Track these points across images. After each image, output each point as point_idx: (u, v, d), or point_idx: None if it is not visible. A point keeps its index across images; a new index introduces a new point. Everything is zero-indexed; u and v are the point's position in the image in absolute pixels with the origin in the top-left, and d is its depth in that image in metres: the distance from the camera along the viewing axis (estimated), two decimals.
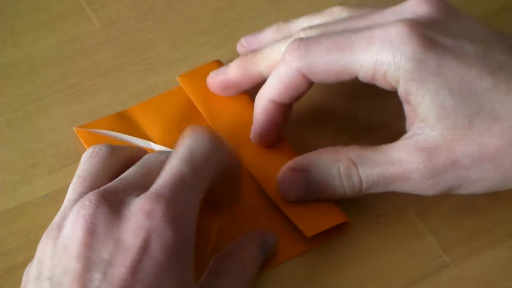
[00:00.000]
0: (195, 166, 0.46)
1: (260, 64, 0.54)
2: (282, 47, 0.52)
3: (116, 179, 0.46)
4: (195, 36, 0.60)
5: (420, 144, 0.48)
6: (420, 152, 0.47)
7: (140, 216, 0.43)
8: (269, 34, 0.56)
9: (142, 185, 0.45)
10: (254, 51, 0.54)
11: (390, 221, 0.51)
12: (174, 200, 0.44)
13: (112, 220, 0.43)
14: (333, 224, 0.50)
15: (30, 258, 0.46)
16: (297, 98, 0.51)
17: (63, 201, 0.47)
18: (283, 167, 0.51)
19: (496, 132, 0.47)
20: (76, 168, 0.52)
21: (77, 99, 0.57)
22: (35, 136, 0.55)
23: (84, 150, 0.53)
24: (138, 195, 0.44)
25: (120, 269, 0.42)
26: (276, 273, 0.50)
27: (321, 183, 0.50)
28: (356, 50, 0.48)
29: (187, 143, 0.46)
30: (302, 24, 0.54)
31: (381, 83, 0.49)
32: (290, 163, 0.51)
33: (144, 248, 0.43)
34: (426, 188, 0.48)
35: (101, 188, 0.45)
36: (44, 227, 0.50)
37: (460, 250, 0.51)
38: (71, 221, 0.44)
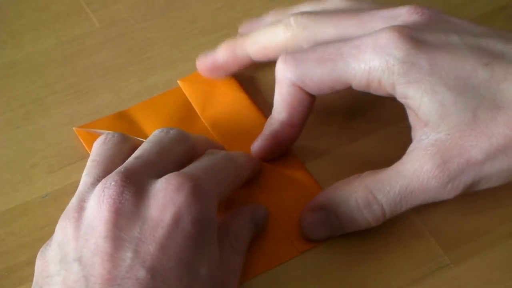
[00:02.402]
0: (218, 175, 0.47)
1: (248, 47, 0.54)
2: (270, 30, 0.53)
3: (132, 158, 0.46)
4: (195, 36, 0.60)
5: (430, 150, 0.47)
6: (433, 159, 0.47)
7: (168, 191, 0.44)
8: (267, 19, 0.56)
9: (159, 164, 0.46)
10: (244, 34, 0.55)
11: (390, 221, 0.51)
12: (200, 180, 0.45)
13: (139, 199, 0.43)
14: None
15: (30, 258, 0.46)
16: (304, 113, 0.51)
17: (63, 201, 0.47)
18: (303, 210, 0.50)
19: (502, 120, 0.46)
20: (76, 168, 0.53)
21: (77, 99, 0.57)
22: (35, 136, 0.55)
23: (84, 150, 0.54)
24: (159, 175, 0.45)
25: (152, 245, 0.42)
26: (276, 273, 0.50)
27: (343, 218, 0.49)
28: (348, 59, 0.48)
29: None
30: (297, 11, 0.54)
31: (376, 90, 0.48)
32: (309, 204, 0.50)
33: (175, 223, 0.43)
34: (447, 192, 0.47)
35: (122, 168, 0.45)
36: (44, 227, 0.50)
37: (460, 250, 0.51)
38: (96, 201, 0.43)
